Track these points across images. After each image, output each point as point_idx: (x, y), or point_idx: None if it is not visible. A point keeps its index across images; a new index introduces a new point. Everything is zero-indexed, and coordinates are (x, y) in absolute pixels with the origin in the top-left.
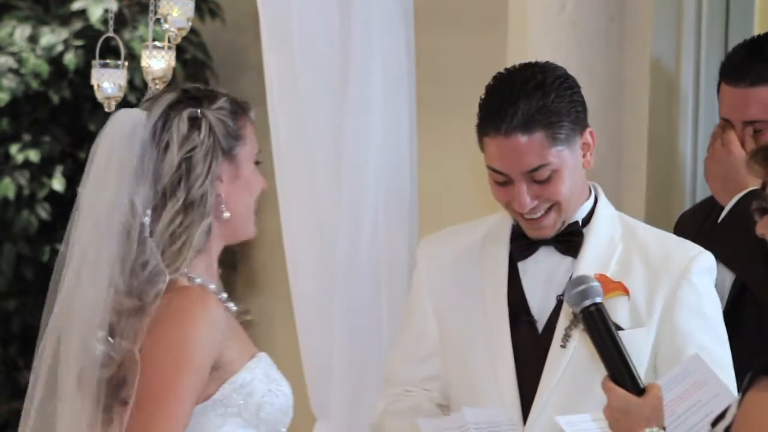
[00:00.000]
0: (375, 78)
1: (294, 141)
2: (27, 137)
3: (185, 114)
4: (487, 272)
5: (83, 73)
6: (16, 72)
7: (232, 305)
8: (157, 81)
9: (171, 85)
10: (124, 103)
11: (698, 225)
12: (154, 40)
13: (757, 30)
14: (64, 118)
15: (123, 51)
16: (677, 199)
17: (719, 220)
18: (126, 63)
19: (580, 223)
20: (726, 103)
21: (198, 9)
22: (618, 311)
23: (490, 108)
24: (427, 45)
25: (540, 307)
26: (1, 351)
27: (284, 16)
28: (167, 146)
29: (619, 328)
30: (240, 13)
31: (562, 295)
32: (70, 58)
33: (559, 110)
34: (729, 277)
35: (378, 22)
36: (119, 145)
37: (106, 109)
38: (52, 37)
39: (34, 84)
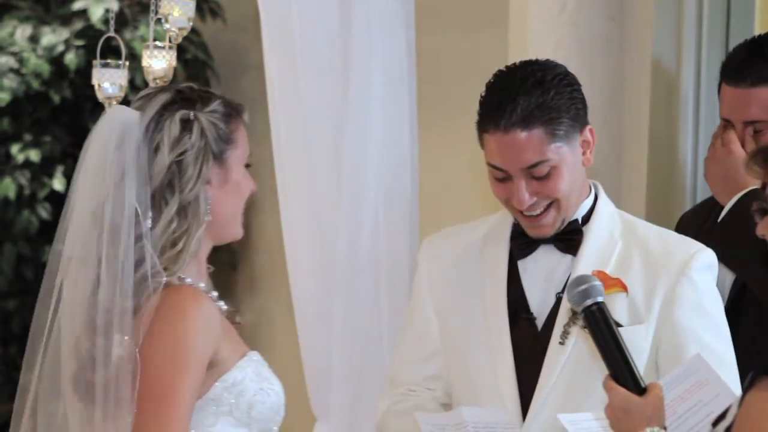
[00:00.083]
0: (375, 78)
1: (294, 141)
2: (28, 137)
3: (177, 116)
4: (487, 271)
5: (84, 73)
6: (17, 72)
7: (222, 304)
8: (158, 81)
9: (172, 84)
10: (124, 103)
11: (699, 225)
12: (155, 39)
13: (757, 30)
14: (64, 118)
15: (124, 51)
16: (677, 199)
17: (719, 220)
18: (127, 63)
19: (580, 221)
20: (726, 104)
21: (199, 9)
22: (616, 308)
23: (489, 104)
24: (427, 45)
25: (540, 305)
26: (1, 351)
27: (285, 16)
28: (158, 148)
29: (618, 325)
30: (241, 13)
31: (562, 292)
32: (71, 58)
33: (558, 107)
34: (729, 277)
35: (378, 22)
36: (111, 144)
37: (107, 109)
38: (53, 36)
39: (35, 84)
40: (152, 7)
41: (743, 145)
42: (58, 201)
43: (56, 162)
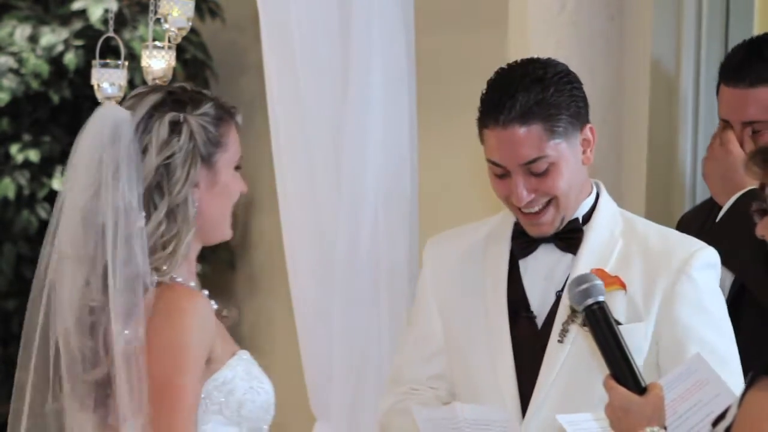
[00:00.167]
0: (375, 78)
1: (294, 141)
2: (27, 137)
3: (167, 118)
4: (488, 271)
5: (83, 73)
6: (16, 72)
7: (212, 303)
8: (157, 81)
9: (163, 84)
10: None
11: (699, 225)
12: (154, 40)
13: (757, 30)
14: (64, 118)
15: (123, 51)
16: (677, 199)
17: (717, 220)
18: (126, 63)
19: (581, 220)
20: (725, 104)
21: (198, 9)
22: (615, 306)
23: (489, 101)
24: (427, 45)
25: (540, 304)
26: (1, 351)
27: (284, 16)
28: (146, 149)
29: (618, 324)
30: (240, 13)
31: (561, 291)
32: (70, 58)
33: (558, 104)
34: (729, 277)
35: (378, 22)
36: (101, 142)
37: (98, 108)
38: (52, 37)
39: (35, 84)
40: (151, 7)
41: (742, 146)
42: None
43: (55, 162)
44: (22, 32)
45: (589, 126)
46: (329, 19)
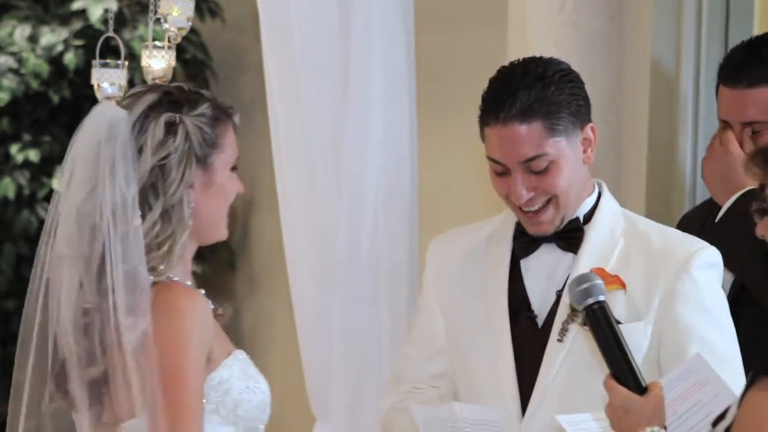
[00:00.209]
0: (375, 78)
1: (294, 141)
2: (27, 137)
3: (162, 119)
4: (489, 271)
5: (83, 72)
6: (16, 72)
7: (210, 303)
8: (157, 81)
9: (160, 84)
10: None
11: (699, 225)
12: (154, 39)
13: (756, 30)
14: (64, 118)
15: (123, 51)
16: (677, 199)
17: (716, 220)
18: (126, 63)
19: (582, 220)
20: (724, 105)
21: (198, 9)
22: (614, 305)
23: (490, 98)
24: (427, 45)
25: (541, 303)
26: (1, 351)
27: (284, 16)
28: (142, 150)
29: (618, 323)
30: (240, 13)
31: (562, 290)
32: (70, 58)
33: (558, 102)
34: (728, 278)
35: (378, 22)
36: (97, 142)
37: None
38: (52, 36)
39: (34, 84)
40: (151, 7)
41: (741, 146)
42: None
43: (55, 162)
44: (21, 32)
45: (590, 125)
46: (329, 19)
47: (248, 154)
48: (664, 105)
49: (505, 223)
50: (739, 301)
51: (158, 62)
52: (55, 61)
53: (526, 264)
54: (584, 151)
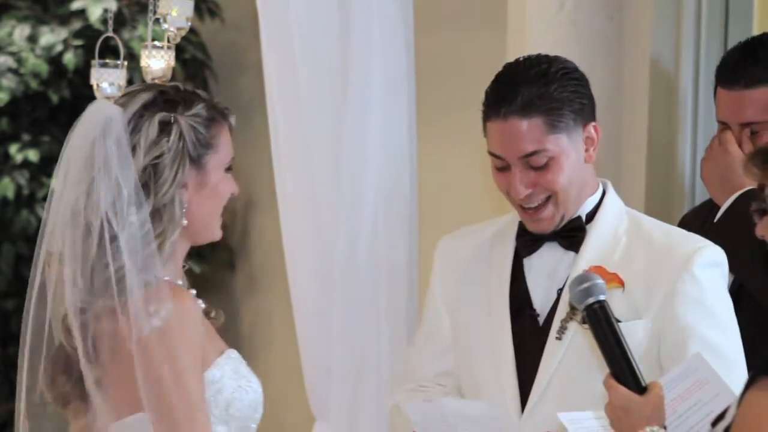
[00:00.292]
0: (375, 78)
1: (293, 141)
2: (26, 137)
3: (157, 118)
4: (493, 269)
5: (82, 72)
6: (15, 72)
7: (200, 302)
8: (156, 81)
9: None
10: None
11: (699, 225)
12: (153, 39)
13: (756, 30)
14: (63, 117)
15: (122, 51)
16: (676, 199)
17: (715, 220)
18: (125, 63)
19: (585, 219)
20: (722, 106)
21: (197, 9)
22: (612, 303)
23: (493, 93)
24: (426, 45)
25: (542, 302)
26: (1, 351)
27: (284, 16)
28: (135, 149)
29: (618, 321)
30: (239, 13)
31: (562, 288)
32: (69, 58)
33: (560, 99)
34: (728, 277)
35: (378, 22)
36: (91, 139)
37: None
38: (51, 36)
39: (34, 84)
40: (151, 7)
41: (740, 147)
42: None
43: (55, 162)
44: (21, 32)
45: (593, 124)
46: (329, 19)
47: (247, 154)
48: (664, 105)
49: (511, 222)
50: (737, 301)
51: (157, 62)
52: (55, 61)
53: (529, 262)
54: (586, 150)
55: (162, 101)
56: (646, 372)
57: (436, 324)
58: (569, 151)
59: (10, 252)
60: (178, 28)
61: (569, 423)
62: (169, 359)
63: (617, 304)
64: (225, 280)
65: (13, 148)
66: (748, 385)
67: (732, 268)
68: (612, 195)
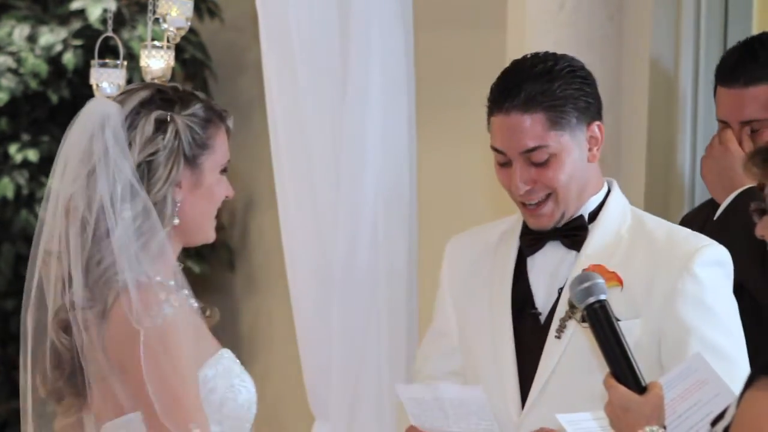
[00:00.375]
0: (374, 78)
1: (293, 141)
2: (26, 137)
3: (153, 116)
4: (497, 269)
5: (82, 72)
6: (14, 72)
7: (193, 302)
8: (156, 80)
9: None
10: None
11: (700, 225)
12: (153, 39)
13: (755, 29)
14: (62, 117)
15: (122, 51)
16: (676, 199)
17: (715, 218)
18: (125, 63)
19: (588, 218)
20: (722, 105)
21: (197, 9)
22: (611, 302)
23: (497, 88)
24: (426, 45)
25: (544, 301)
26: (1, 351)
27: (283, 16)
28: (130, 145)
29: (617, 320)
30: (239, 13)
31: (563, 287)
32: (68, 58)
33: (564, 96)
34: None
35: (377, 22)
36: (88, 136)
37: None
38: (50, 36)
39: (33, 84)
40: (150, 7)
41: (741, 145)
42: None
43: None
44: (20, 32)
45: (597, 123)
46: (329, 19)
47: (247, 154)
48: (663, 105)
49: (516, 221)
50: (737, 300)
51: (157, 62)
52: (54, 61)
53: (532, 261)
54: (590, 149)
55: (159, 100)
56: (646, 372)
57: (445, 323)
58: (571, 148)
59: (9, 252)
60: (178, 28)
61: (568, 424)
62: (161, 360)
63: (616, 302)
64: (225, 280)
65: (12, 148)
66: (748, 385)
67: None
68: (617, 194)
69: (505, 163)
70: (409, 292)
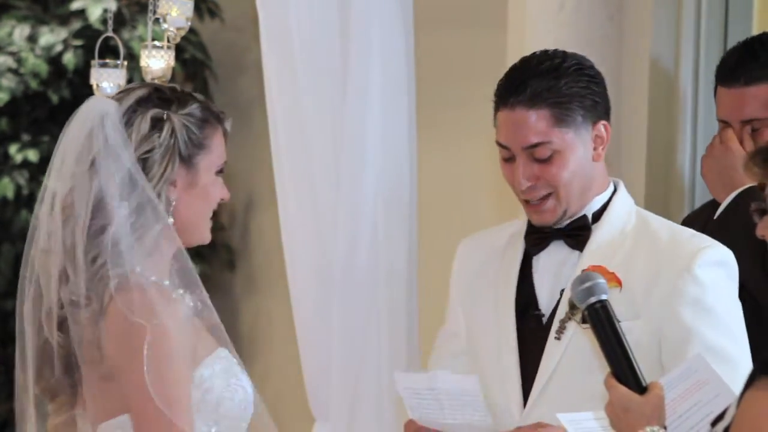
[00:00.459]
0: (374, 78)
1: (293, 141)
2: (26, 137)
3: (149, 114)
4: (503, 271)
5: (82, 72)
6: (15, 72)
7: (188, 301)
8: (156, 80)
9: (153, 82)
10: None
11: (701, 226)
12: (153, 39)
13: (755, 29)
14: (63, 117)
15: (122, 51)
16: (676, 199)
17: (715, 217)
18: (125, 63)
19: (592, 217)
20: (722, 105)
21: (197, 9)
22: (612, 303)
23: (504, 84)
24: (426, 45)
25: (547, 301)
26: (1, 351)
27: (283, 16)
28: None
29: (617, 320)
30: (239, 13)
31: (564, 288)
32: (69, 58)
33: (569, 94)
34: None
35: (377, 22)
36: (85, 133)
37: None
38: (51, 36)
39: (33, 84)
40: (150, 7)
41: (741, 145)
42: None
43: None
44: (21, 32)
45: (603, 123)
46: (329, 19)
47: (247, 154)
48: (663, 104)
49: (524, 223)
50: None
51: (157, 62)
52: (54, 61)
53: (536, 262)
54: (595, 148)
55: (156, 98)
56: (646, 372)
57: (455, 324)
58: (575, 146)
59: (9, 252)
60: (178, 28)
61: (569, 424)
62: (154, 360)
63: (615, 303)
64: (225, 280)
65: (12, 148)
66: (748, 385)
67: None
68: (622, 194)
69: (509, 159)
70: (409, 292)
